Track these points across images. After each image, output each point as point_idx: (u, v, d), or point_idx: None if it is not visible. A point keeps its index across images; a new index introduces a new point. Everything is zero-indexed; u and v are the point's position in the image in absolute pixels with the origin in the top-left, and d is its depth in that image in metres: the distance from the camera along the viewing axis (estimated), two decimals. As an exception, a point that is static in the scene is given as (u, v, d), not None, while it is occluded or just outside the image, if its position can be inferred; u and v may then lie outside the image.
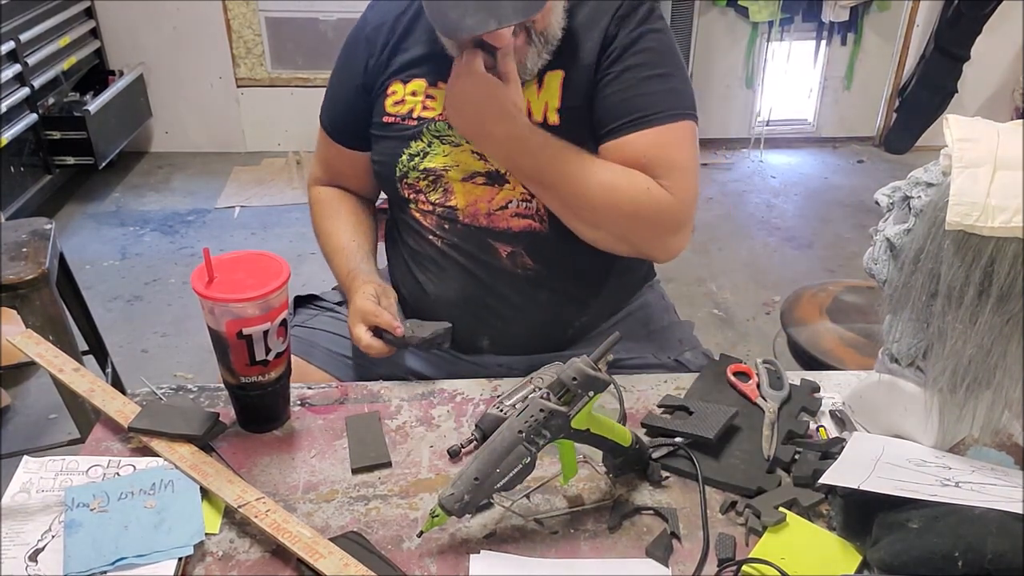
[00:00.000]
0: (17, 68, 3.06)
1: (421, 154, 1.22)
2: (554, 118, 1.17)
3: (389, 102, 1.25)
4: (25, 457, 0.99)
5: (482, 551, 0.89)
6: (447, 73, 1.18)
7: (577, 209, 1.16)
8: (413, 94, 1.23)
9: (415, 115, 1.23)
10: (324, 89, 1.35)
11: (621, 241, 1.18)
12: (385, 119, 1.25)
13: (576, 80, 1.17)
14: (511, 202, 1.20)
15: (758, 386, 1.13)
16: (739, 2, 3.84)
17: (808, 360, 1.89)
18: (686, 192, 1.15)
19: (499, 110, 1.13)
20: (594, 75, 1.17)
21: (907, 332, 0.96)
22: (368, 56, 1.26)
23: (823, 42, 4.03)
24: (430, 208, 1.24)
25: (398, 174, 1.24)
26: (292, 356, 1.08)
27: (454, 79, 1.15)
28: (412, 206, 1.26)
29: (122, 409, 1.04)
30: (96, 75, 3.70)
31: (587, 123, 1.18)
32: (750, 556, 0.87)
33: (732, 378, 1.15)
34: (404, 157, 1.23)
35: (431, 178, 1.22)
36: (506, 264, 1.23)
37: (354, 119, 1.29)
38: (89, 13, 3.66)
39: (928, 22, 3.97)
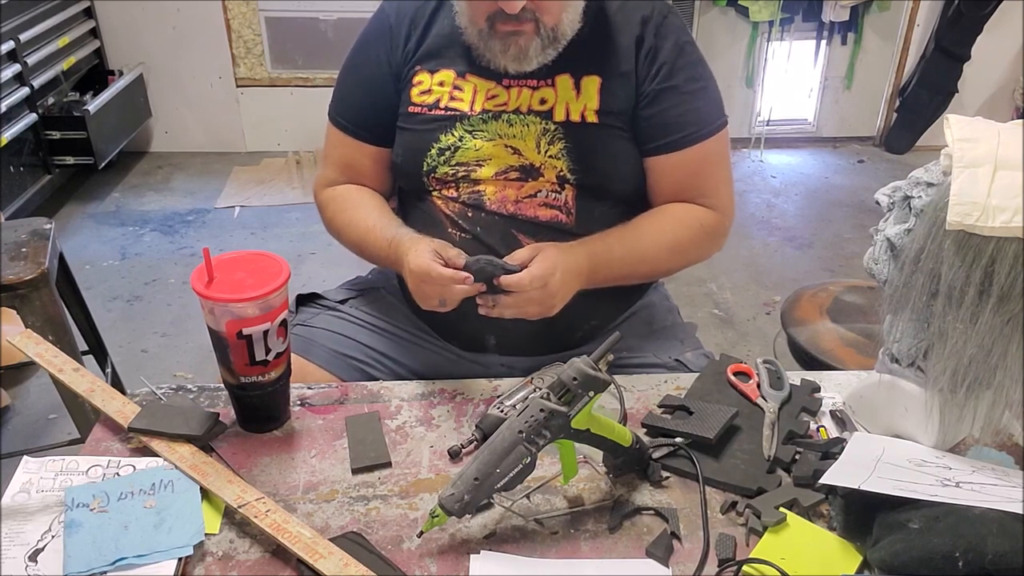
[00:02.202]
0: (17, 68, 3.06)
1: (452, 148, 1.22)
2: (592, 118, 1.20)
3: (415, 92, 1.24)
4: (25, 457, 0.99)
5: (482, 551, 0.89)
6: (474, 62, 1.20)
7: (657, 275, 1.33)
8: (440, 84, 1.23)
9: (443, 105, 1.22)
10: (325, 89, 1.33)
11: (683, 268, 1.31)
12: (411, 109, 1.24)
13: (614, 86, 1.20)
14: (540, 191, 1.21)
15: (758, 386, 1.13)
16: (739, 2, 3.84)
17: (808, 360, 1.89)
18: (728, 203, 1.28)
19: (571, 280, 1.13)
20: (635, 85, 1.21)
21: (907, 332, 0.96)
22: (393, 47, 1.25)
23: (823, 42, 4.03)
24: (454, 196, 1.23)
25: (425, 168, 1.23)
26: (293, 355, 1.08)
27: (530, 299, 1.10)
28: (434, 194, 1.25)
29: (122, 409, 1.04)
30: (96, 75, 3.70)
31: (625, 125, 1.22)
32: (750, 556, 0.87)
33: (732, 378, 1.15)
34: (433, 151, 1.22)
35: (461, 173, 1.22)
36: None
37: (378, 112, 1.27)
38: (89, 13, 3.66)
39: (928, 22, 3.97)
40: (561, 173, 1.20)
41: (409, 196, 1.31)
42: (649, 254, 1.23)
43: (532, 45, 1.15)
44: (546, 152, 1.20)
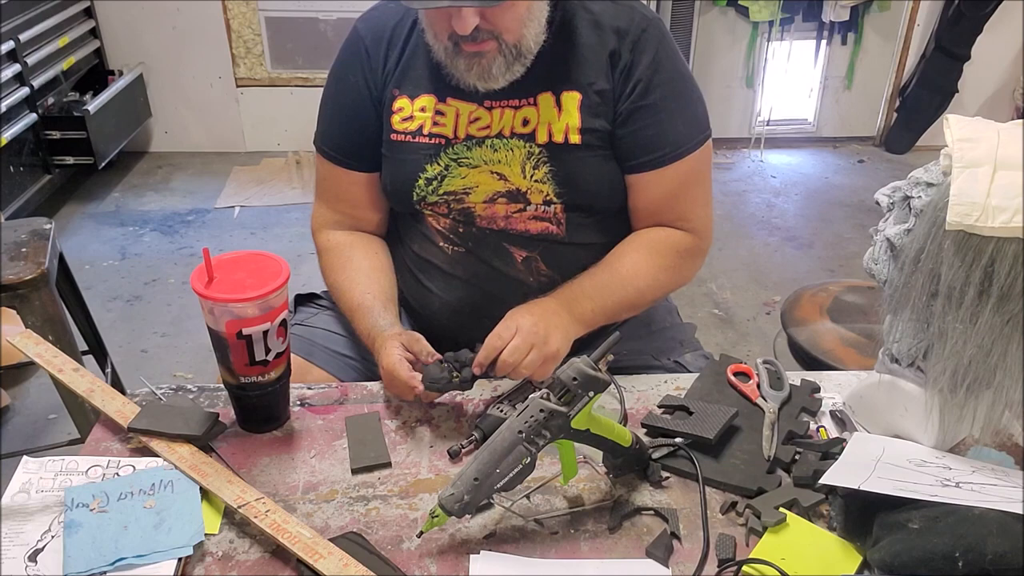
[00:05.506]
0: (17, 68, 3.05)
1: (439, 178, 1.20)
2: (575, 138, 1.17)
3: (396, 119, 1.21)
4: (25, 457, 0.99)
5: (482, 551, 0.89)
6: (455, 88, 1.17)
7: (639, 306, 1.25)
8: (422, 110, 1.20)
9: (426, 132, 1.20)
10: (324, 89, 1.30)
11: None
12: (393, 137, 1.21)
13: (593, 102, 1.17)
14: (529, 205, 1.19)
15: (758, 386, 1.13)
16: (739, 2, 3.83)
17: (808, 360, 1.89)
18: (705, 224, 1.26)
19: (549, 317, 1.11)
20: (614, 101, 1.18)
21: (907, 332, 0.96)
22: (371, 69, 1.22)
23: (823, 42, 4.03)
24: (445, 213, 1.22)
25: (415, 198, 1.22)
26: (292, 355, 1.08)
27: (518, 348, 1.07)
28: (426, 212, 1.24)
29: (122, 409, 1.04)
30: (96, 75, 3.69)
31: (605, 144, 1.19)
32: (750, 556, 0.87)
33: (732, 378, 1.15)
34: (420, 182, 1.20)
35: (452, 200, 1.21)
36: (520, 271, 1.22)
37: (364, 138, 1.24)
38: (89, 13, 3.66)
39: (928, 22, 3.97)
40: (547, 197, 1.18)
41: (403, 215, 1.29)
42: (626, 293, 1.20)
43: (495, 64, 1.11)
44: (531, 176, 1.18)
